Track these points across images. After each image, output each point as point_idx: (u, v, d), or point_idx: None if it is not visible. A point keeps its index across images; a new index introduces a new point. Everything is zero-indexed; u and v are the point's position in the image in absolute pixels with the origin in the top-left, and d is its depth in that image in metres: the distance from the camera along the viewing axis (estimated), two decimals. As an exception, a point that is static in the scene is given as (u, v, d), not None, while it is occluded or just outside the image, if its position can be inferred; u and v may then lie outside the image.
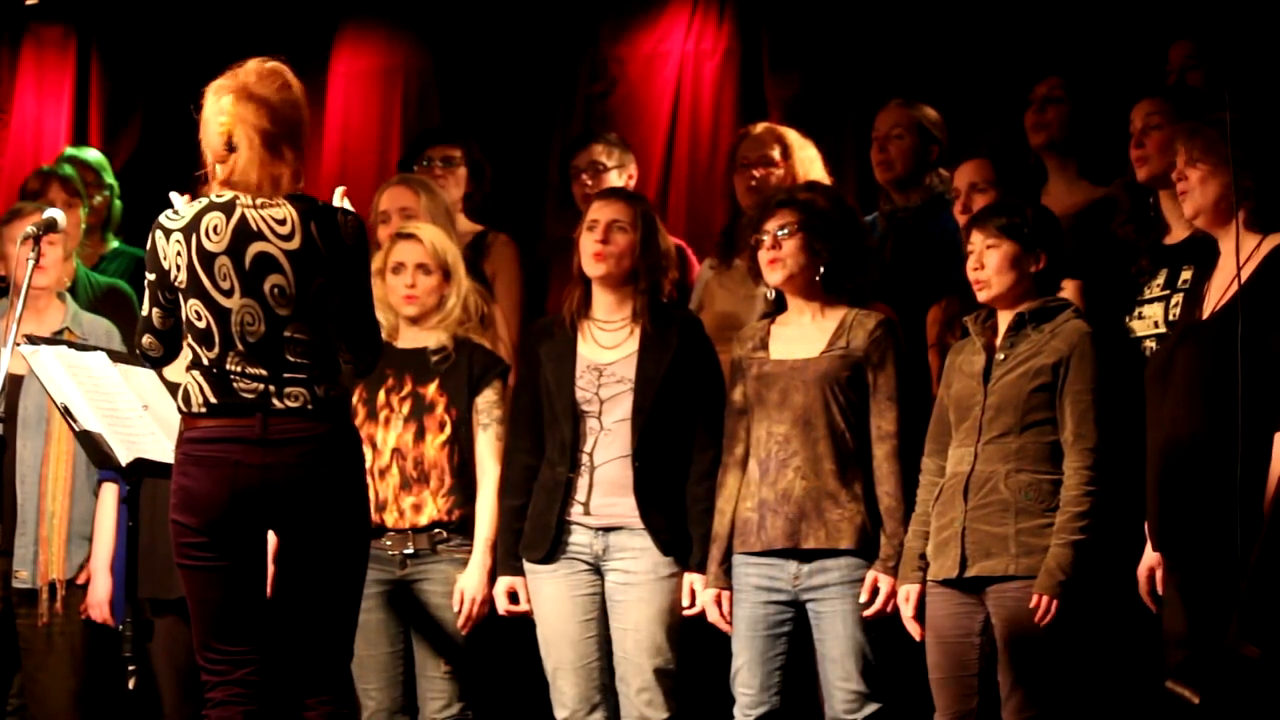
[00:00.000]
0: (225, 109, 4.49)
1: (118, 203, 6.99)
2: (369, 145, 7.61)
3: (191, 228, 4.47)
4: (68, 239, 6.18)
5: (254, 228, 4.46)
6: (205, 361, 4.47)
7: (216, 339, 4.45)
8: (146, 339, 4.58)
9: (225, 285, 4.45)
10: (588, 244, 5.43)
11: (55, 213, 5.28)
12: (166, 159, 7.52)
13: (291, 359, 4.46)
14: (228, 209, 4.48)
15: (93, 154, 7.11)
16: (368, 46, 7.73)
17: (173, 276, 4.49)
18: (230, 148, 4.49)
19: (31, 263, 5.20)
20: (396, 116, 7.65)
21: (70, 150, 7.14)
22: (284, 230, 4.46)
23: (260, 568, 4.50)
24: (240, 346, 4.44)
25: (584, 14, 7.43)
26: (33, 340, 5.17)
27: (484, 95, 7.45)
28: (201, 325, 4.47)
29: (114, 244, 6.93)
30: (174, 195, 4.66)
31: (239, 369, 4.45)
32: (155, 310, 4.54)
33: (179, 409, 4.51)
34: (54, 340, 5.40)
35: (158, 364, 4.68)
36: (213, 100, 4.52)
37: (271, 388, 4.44)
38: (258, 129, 4.48)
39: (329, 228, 4.50)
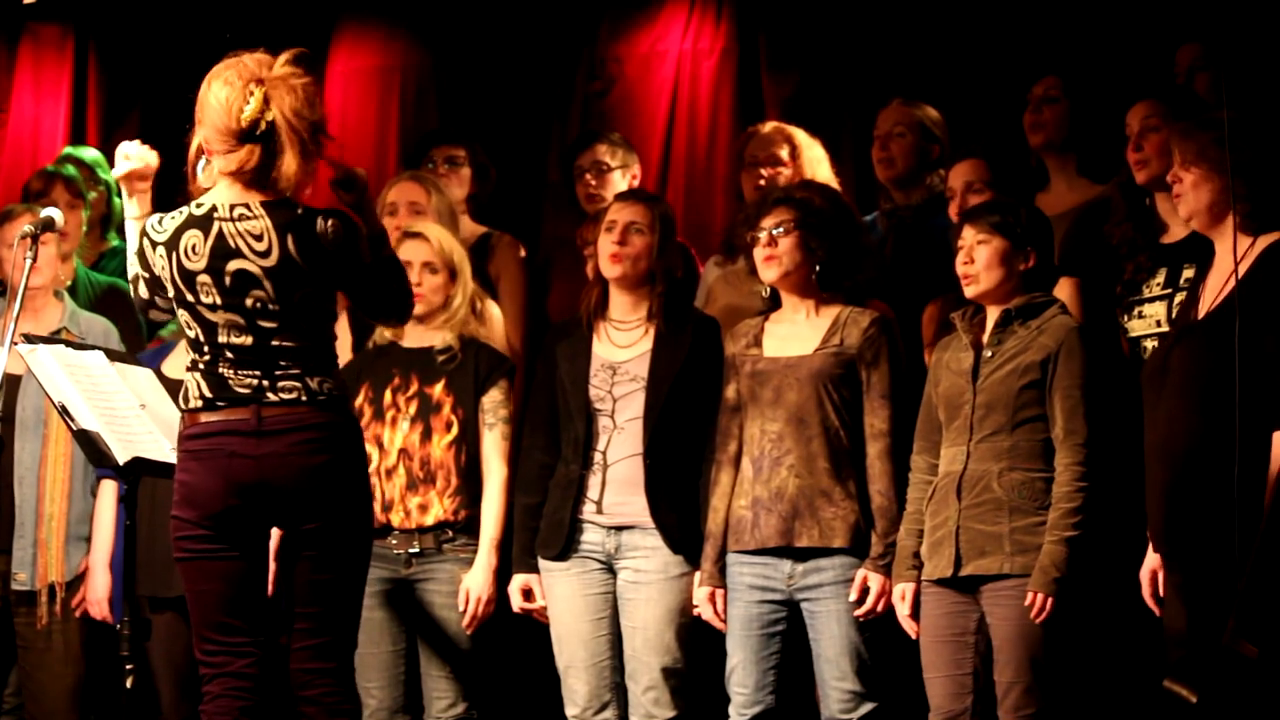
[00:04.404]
0: (256, 95, 4.33)
1: (117, 200, 6.96)
2: (366, 144, 7.60)
3: (172, 245, 4.43)
4: (67, 239, 6.17)
5: (231, 245, 4.40)
6: (201, 365, 4.47)
7: (206, 348, 4.45)
8: (154, 313, 4.67)
9: (209, 300, 4.42)
10: (605, 245, 5.43)
11: (53, 212, 5.25)
12: (164, 157, 7.53)
13: (283, 363, 4.44)
14: (205, 224, 4.41)
15: (89, 153, 7.08)
16: (365, 45, 7.72)
17: (165, 285, 4.49)
18: (255, 138, 4.37)
19: (29, 262, 5.19)
20: (394, 115, 7.64)
21: (67, 149, 7.13)
22: (260, 247, 4.39)
23: (261, 561, 4.48)
24: (230, 355, 4.43)
25: (582, 13, 7.43)
26: (30, 339, 5.16)
27: (482, 94, 7.44)
28: (192, 334, 4.47)
29: (114, 242, 6.92)
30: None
31: (232, 372, 4.44)
32: (158, 298, 4.53)
33: (179, 406, 4.50)
34: (51, 339, 5.40)
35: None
36: (231, 85, 4.36)
37: (266, 383, 4.42)
38: (303, 120, 4.37)
39: (307, 238, 4.41)
